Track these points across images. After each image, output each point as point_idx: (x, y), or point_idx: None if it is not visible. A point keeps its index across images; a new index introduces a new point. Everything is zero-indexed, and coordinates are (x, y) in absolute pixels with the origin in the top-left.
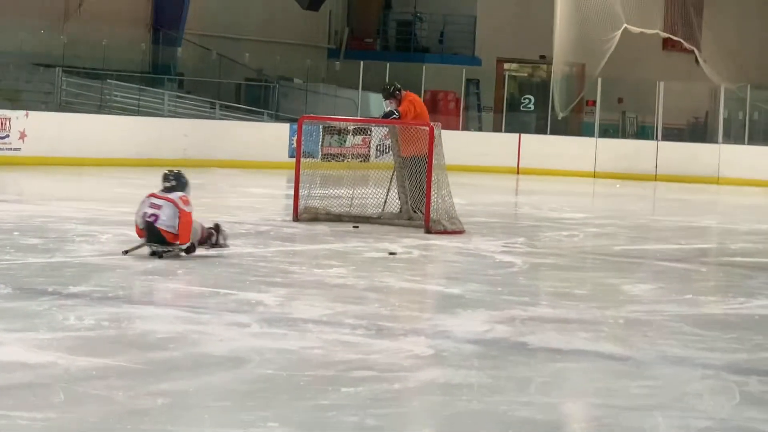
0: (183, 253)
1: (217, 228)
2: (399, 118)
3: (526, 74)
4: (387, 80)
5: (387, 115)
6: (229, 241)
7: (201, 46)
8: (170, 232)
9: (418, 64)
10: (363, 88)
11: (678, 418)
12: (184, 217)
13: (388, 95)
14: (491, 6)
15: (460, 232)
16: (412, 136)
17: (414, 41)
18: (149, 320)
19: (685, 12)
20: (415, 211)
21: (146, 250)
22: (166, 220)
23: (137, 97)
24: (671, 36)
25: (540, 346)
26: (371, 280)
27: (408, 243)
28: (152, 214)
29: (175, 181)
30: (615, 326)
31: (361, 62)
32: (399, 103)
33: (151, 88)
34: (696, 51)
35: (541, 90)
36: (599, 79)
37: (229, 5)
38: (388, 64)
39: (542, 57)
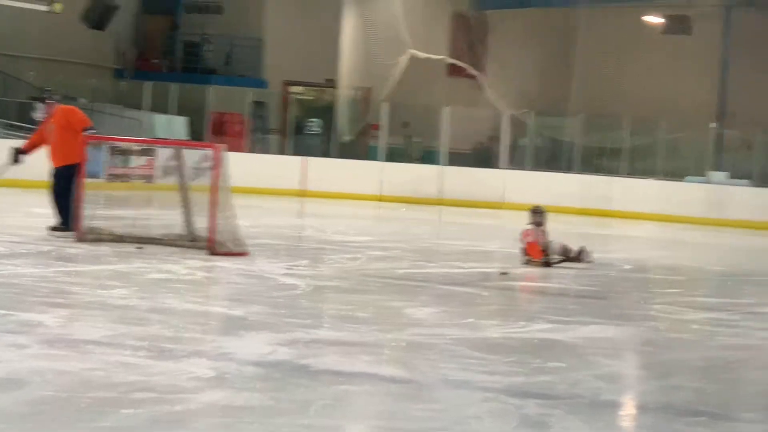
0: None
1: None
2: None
3: (312, 97)
4: (174, 101)
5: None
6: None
7: None
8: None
9: (204, 85)
10: (149, 109)
11: None
12: (524, 246)
13: (41, 100)
14: (278, 29)
15: (244, 253)
16: (60, 147)
17: (201, 63)
18: None
19: (470, 39)
20: (63, 225)
21: None
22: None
23: None
24: (457, 62)
25: (322, 369)
26: (154, 302)
27: (191, 264)
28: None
29: (531, 217)
30: (397, 349)
31: (148, 83)
32: (47, 111)
33: None
34: (481, 77)
35: (328, 113)
36: (385, 104)
37: (13, 22)
38: (174, 85)
39: (329, 80)
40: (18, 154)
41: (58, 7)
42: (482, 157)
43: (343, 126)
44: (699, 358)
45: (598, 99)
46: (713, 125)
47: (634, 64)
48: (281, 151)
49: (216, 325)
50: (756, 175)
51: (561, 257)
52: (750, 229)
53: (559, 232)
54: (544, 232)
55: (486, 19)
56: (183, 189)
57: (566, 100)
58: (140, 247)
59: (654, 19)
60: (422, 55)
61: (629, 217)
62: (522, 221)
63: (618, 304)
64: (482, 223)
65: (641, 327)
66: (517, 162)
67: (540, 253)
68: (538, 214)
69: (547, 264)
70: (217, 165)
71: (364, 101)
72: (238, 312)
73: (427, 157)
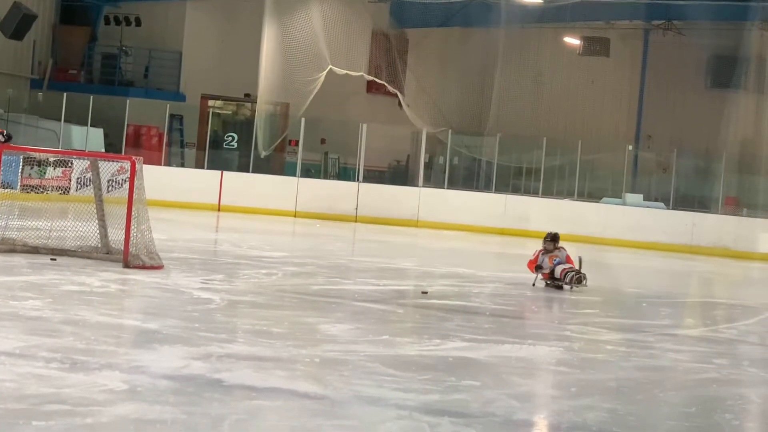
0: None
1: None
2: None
3: (230, 112)
4: (91, 113)
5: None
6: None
7: None
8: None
9: (122, 97)
10: (65, 120)
11: None
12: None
13: None
14: (197, 43)
15: (159, 267)
16: None
17: (119, 75)
18: None
19: (389, 56)
20: None
21: None
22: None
23: None
24: (375, 79)
25: (236, 383)
26: (67, 313)
27: (106, 277)
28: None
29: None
30: (311, 365)
31: (65, 94)
32: None
33: None
34: (399, 95)
35: (245, 128)
36: (303, 119)
37: None
38: (92, 97)
39: (247, 95)
40: None
41: None
42: (398, 174)
43: (261, 141)
44: (613, 378)
45: (516, 119)
46: (630, 147)
47: (553, 84)
48: (198, 165)
49: (129, 338)
50: (671, 197)
51: (560, 281)
52: (665, 252)
53: (475, 251)
54: (556, 257)
55: (406, 36)
56: (98, 201)
57: (484, 119)
58: (54, 259)
59: (573, 41)
60: (341, 71)
61: None
62: (436, 239)
63: (533, 323)
64: (397, 240)
65: (556, 347)
66: (433, 180)
67: (532, 269)
68: (548, 240)
69: (558, 286)
70: (133, 177)
71: (282, 116)
72: (152, 325)
73: (344, 173)
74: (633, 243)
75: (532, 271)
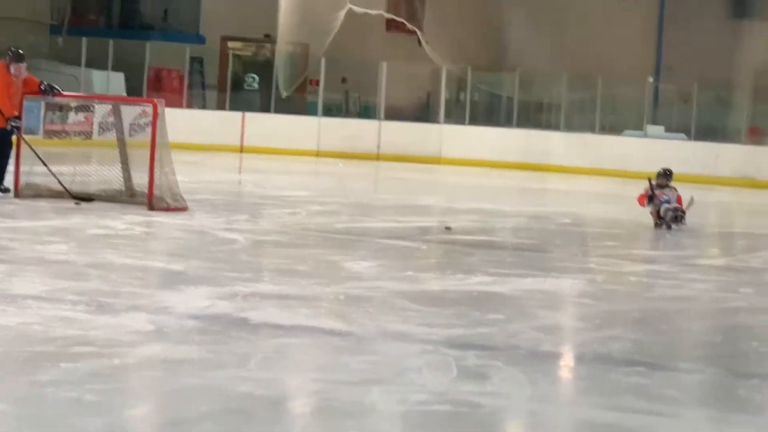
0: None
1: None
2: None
3: (250, 53)
4: (111, 57)
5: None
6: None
7: None
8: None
9: (142, 41)
10: (86, 65)
11: (397, 392)
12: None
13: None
14: None
15: (184, 209)
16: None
17: (138, 18)
18: None
19: None
20: None
21: None
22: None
23: None
24: (394, 17)
25: (261, 322)
26: (93, 257)
27: (130, 220)
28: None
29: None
30: (336, 302)
31: (84, 39)
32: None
33: None
34: (418, 32)
35: (266, 69)
36: (323, 59)
37: None
38: (111, 41)
39: (267, 36)
40: None
41: None
42: (420, 112)
43: (282, 81)
44: (636, 309)
45: (536, 54)
46: (650, 79)
47: (572, 19)
48: (220, 107)
49: (155, 279)
50: (692, 128)
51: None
52: (688, 183)
53: (497, 186)
54: (665, 194)
55: None
56: (121, 145)
57: (504, 55)
58: (78, 203)
59: None
60: (360, 10)
61: (567, 171)
62: (459, 175)
63: (556, 257)
64: (420, 177)
65: (579, 279)
66: (454, 117)
67: (643, 203)
68: (661, 175)
69: (666, 225)
70: (155, 120)
71: (302, 57)
72: (177, 266)
73: (365, 112)
74: (655, 175)
75: (643, 206)
